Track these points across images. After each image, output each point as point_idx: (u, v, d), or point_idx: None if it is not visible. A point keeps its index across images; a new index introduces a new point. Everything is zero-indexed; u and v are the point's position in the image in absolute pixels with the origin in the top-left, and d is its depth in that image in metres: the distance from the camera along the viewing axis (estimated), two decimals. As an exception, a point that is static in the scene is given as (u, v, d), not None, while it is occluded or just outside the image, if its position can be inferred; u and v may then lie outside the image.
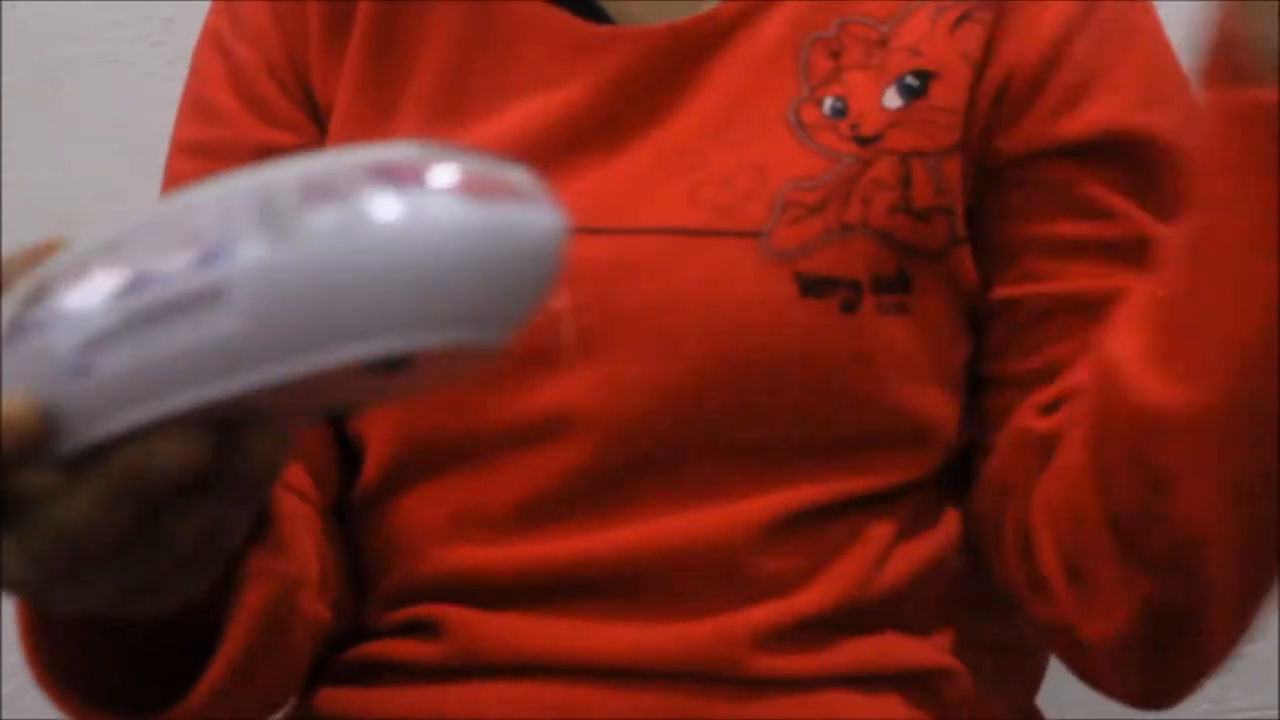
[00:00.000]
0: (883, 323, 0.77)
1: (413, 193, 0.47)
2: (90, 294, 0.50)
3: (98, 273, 0.50)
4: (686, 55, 0.80)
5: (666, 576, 0.78)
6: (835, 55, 0.80)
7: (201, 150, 0.87)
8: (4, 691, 1.08)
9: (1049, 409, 0.78)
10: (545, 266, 0.49)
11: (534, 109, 0.81)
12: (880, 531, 0.80)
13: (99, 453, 0.51)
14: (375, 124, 0.83)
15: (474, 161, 0.49)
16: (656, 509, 0.78)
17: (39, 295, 0.51)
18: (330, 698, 0.83)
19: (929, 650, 0.81)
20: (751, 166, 0.78)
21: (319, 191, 0.47)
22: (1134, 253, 0.77)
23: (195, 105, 0.89)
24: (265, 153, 0.85)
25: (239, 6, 0.87)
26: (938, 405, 0.80)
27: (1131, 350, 0.69)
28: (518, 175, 0.50)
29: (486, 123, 0.81)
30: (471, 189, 0.48)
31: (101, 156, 1.13)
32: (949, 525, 0.82)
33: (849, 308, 0.77)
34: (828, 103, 0.79)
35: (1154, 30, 0.85)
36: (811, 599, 0.78)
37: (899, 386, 0.78)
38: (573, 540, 0.79)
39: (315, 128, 0.85)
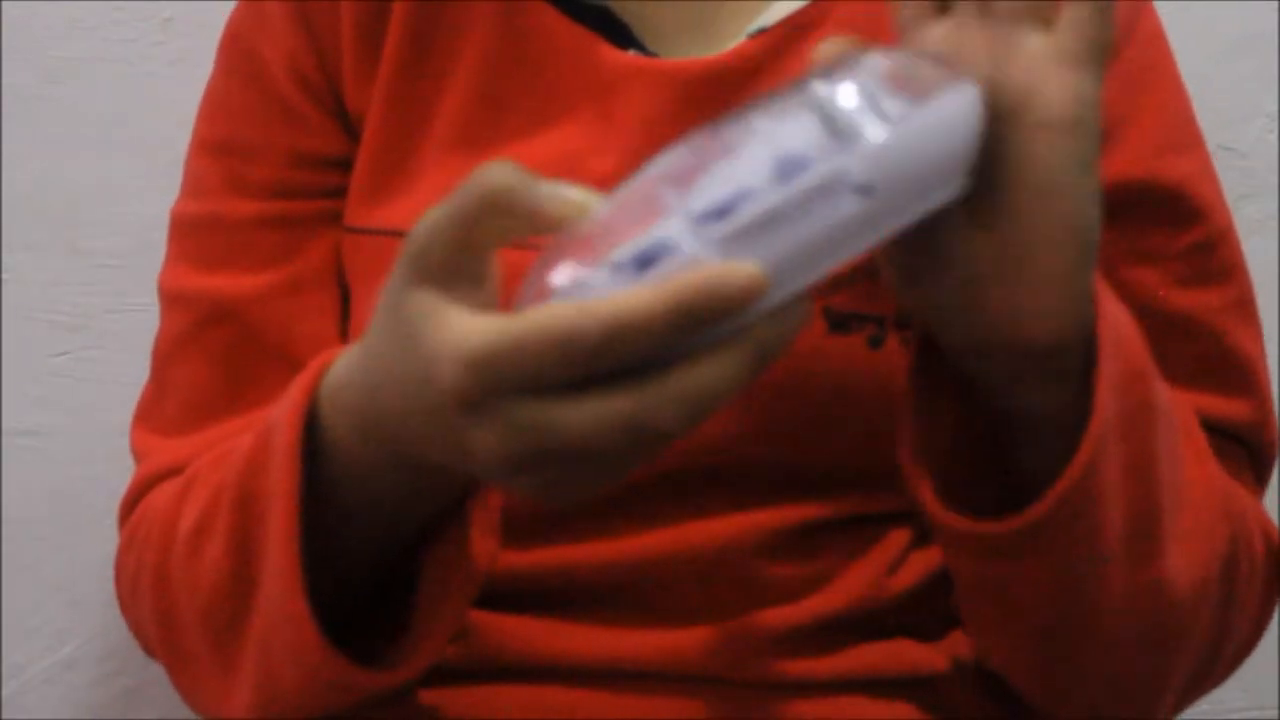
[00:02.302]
0: (908, 357, 0.77)
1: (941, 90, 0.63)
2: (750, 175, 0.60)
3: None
4: (717, 92, 0.80)
5: (680, 582, 0.79)
6: None
7: (224, 149, 0.87)
8: (4, 692, 1.08)
9: None
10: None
11: (565, 143, 0.81)
12: (896, 537, 0.80)
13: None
14: (407, 141, 0.83)
15: (923, 65, 0.64)
16: (673, 518, 0.79)
17: None
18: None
19: (939, 656, 0.81)
20: None
21: (899, 85, 0.62)
22: (1143, 311, 0.76)
23: (218, 104, 0.88)
24: (291, 158, 0.85)
25: (266, 6, 0.86)
26: None
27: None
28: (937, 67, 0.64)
29: (518, 148, 0.81)
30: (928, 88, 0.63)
31: (101, 156, 1.13)
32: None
33: (875, 343, 0.77)
34: None
35: (1170, 68, 0.85)
36: (825, 602, 0.79)
37: None
38: (589, 548, 0.79)
39: (343, 134, 0.85)
